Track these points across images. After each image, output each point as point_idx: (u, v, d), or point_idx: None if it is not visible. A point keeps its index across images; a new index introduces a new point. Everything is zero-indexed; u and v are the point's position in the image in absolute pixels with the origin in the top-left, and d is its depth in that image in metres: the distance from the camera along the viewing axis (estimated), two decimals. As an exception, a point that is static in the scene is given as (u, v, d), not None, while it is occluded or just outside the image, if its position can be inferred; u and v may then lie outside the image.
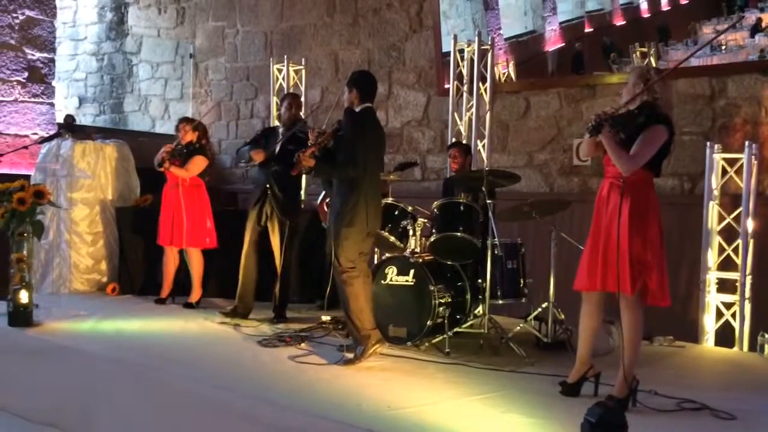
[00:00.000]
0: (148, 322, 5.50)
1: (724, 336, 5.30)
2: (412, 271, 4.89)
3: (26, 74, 7.76)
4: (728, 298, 5.30)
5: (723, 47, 6.02)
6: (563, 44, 6.92)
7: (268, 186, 5.57)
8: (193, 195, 6.11)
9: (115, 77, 10.13)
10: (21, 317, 5.10)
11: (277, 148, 5.55)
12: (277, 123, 6.75)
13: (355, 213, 4.36)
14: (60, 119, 7.97)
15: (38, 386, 4.54)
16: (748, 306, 5.18)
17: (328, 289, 4.52)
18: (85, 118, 10.04)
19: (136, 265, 6.81)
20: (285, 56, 7.78)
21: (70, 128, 7.10)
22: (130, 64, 9.99)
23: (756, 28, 5.77)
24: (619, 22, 6.67)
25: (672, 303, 5.87)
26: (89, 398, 4.24)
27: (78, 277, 6.68)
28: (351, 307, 4.40)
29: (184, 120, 6.35)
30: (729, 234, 5.38)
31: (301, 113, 6.00)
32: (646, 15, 6.62)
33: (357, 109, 4.50)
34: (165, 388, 3.99)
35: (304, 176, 7.14)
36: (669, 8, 6.44)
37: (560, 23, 6.92)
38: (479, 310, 5.20)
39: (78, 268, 6.68)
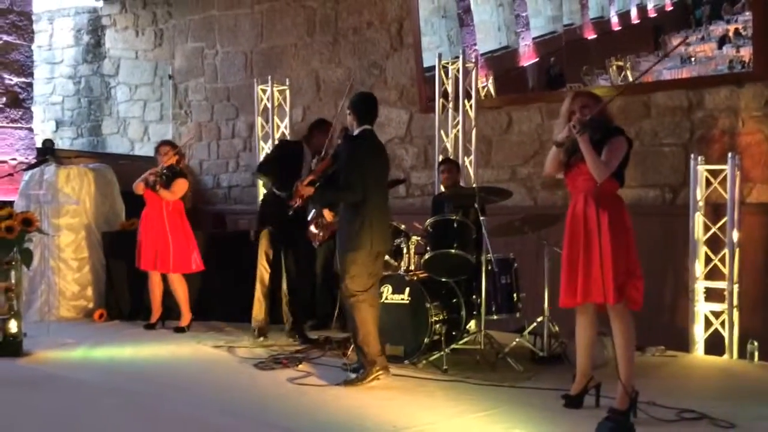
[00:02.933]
0: (140, 348, 5.46)
1: (713, 344, 5.40)
2: (407, 289, 4.92)
3: (4, 99, 7.68)
4: (716, 306, 5.39)
5: (693, 59, 6.16)
6: (537, 59, 7.01)
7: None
8: (177, 219, 6.11)
9: (92, 100, 10.05)
10: (11, 347, 5.04)
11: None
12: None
13: (360, 237, 4.36)
14: (37, 143, 7.89)
15: (32, 417, 4.46)
16: (736, 314, 5.28)
17: (336, 310, 4.53)
18: (63, 141, 9.93)
19: (123, 290, 6.75)
20: (269, 76, 7.81)
21: (49, 152, 7.04)
22: (108, 87, 9.92)
23: (723, 40, 5.92)
24: (590, 35, 6.77)
25: (659, 312, 6.00)
26: (86, 428, 4.18)
27: (64, 304, 6.60)
28: (358, 332, 4.39)
29: (166, 143, 6.35)
30: (714, 243, 5.50)
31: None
32: (616, 28, 6.75)
33: (355, 133, 4.52)
34: (164, 415, 3.95)
35: None
36: (638, 21, 6.57)
37: (533, 38, 7.01)
38: (470, 325, 5.26)
39: (64, 295, 6.61)
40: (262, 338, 5.57)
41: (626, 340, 3.66)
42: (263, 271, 5.62)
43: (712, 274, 5.48)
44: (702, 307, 5.45)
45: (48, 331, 5.86)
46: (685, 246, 5.57)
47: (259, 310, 5.64)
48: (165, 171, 6.04)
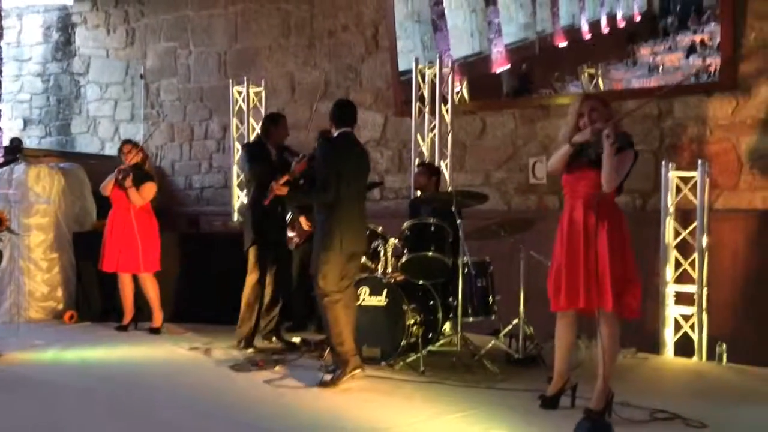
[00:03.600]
0: (113, 349, 5.39)
1: (683, 346, 5.51)
2: (384, 291, 4.94)
3: (-29, 97, 7.53)
4: (686, 310, 5.50)
5: (660, 68, 6.29)
6: (509, 65, 7.09)
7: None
8: (145, 220, 6.07)
9: (61, 98, 9.87)
10: (-20, 349, 4.94)
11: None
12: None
13: (331, 237, 4.42)
14: (4, 142, 7.75)
15: (4, 421, 4.38)
16: (705, 317, 5.39)
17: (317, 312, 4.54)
18: (30, 140, 9.73)
19: (94, 291, 6.65)
20: (245, 77, 7.78)
21: (17, 151, 6.92)
22: (77, 85, 9.76)
23: (690, 50, 6.06)
24: (561, 43, 6.87)
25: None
26: (57, 431, 4.12)
27: (34, 305, 6.50)
28: (331, 331, 4.45)
29: (128, 142, 6.28)
30: (683, 248, 5.61)
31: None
32: (587, 36, 6.86)
33: (334, 135, 4.64)
34: (139, 418, 3.90)
35: None
36: (608, 30, 6.69)
37: (506, 45, 7.09)
38: (446, 327, 5.30)
39: (33, 295, 6.50)
40: (251, 349, 5.33)
41: (613, 343, 3.74)
42: (254, 280, 5.43)
43: (682, 278, 5.59)
44: (672, 311, 5.55)
45: (17, 333, 5.76)
46: (656, 251, 5.68)
47: (244, 321, 5.41)
48: (131, 171, 5.98)
